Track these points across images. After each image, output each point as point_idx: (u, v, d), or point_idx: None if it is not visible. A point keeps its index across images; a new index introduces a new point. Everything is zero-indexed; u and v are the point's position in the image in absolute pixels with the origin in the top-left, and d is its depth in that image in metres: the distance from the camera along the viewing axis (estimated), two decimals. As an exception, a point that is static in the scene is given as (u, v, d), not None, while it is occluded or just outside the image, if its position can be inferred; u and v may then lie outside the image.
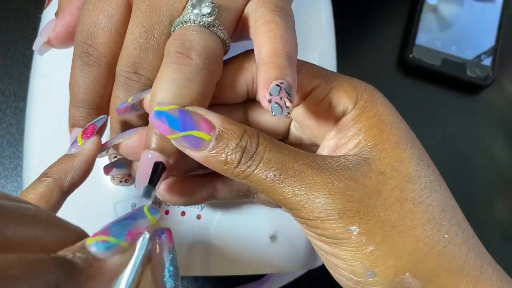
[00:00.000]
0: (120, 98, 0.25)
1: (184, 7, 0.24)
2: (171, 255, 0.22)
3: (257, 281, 0.39)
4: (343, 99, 0.25)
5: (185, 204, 0.29)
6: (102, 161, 0.28)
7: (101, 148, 0.25)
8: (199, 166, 0.26)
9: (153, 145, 0.23)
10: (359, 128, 0.24)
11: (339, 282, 0.25)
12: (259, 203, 0.30)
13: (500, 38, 0.49)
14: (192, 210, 0.32)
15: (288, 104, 0.22)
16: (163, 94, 0.22)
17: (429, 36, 0.49)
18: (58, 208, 0.23)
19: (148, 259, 0.22)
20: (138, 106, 0.25)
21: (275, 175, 0.22)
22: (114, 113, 0.25)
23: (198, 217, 0.31)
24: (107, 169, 0.28)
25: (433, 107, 0.49)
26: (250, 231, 0.32)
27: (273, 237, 0.32)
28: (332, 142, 0.26)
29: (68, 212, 0.23)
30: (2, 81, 0.46)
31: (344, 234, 0.22)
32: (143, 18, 0.24)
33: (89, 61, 0.25)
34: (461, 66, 0.48)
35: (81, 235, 0.18)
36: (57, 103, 0.32)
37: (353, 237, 0.22)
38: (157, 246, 0.22)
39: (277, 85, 0.22)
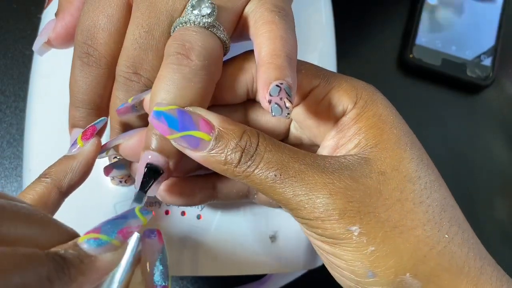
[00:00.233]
0: (120, 98, 0.25)
1: (184, 8, 0.24)
2: (161, 255, 0.22)
3: (257, 281, 0.39)
4: (343, 98, 0.25)
5: (185, 205, 0.29)
6: (102, 161, 0.28)
7: (101, 150, 0.25)
8: (199, 167, 0.26)
9: (153, 145, 0.23)
10: (359, 128, 0.24)
11: (339, 282, 0.25)
12: (260, 203, 0.30)
13: (500, 38, 0.49)
14: (192, 210, 0.32)
15: (287, 104, 0.21)
16: (163, 94, 0.22)
17: (429, 36, 0.49)
18: (56, 209, 0.23)
19: (138, 259, 0.22)
20: (138, 106, 0.25)
21: (275, 175, 0.22)
22: (114, 113, 0.25)
23: (198, 217, 0.31)
24: (107, 170, 0.28)
25: (433, 107, 0.49)
26: (250, 231, 0.32)
27: (273, 237, 0.32)
28: (332, 142, 0.26)
29: (68, 212, 0.23)
30: (2, 81, 0.46)
31: (345, 235, 0.22)
32: (143, 19, 0.24)
33: (89, 62, 0.25)
34: (461, 66, 0.48)
35: (74, 236, 0.19)
36: (57, 103, 0.32)
37: (354, 238, 0.22)
38: (147, 246, 0.22)
39: (277, 85, 0.22)
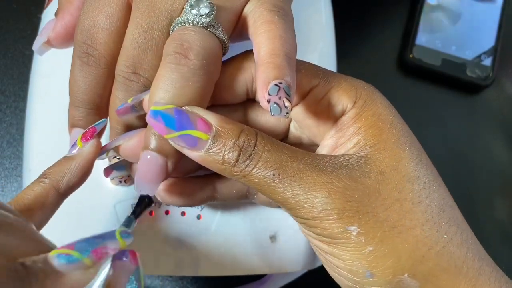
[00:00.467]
0: (120, 98, 0.25)
1: (183, 8, 0.24)
2: (133, 277, 0.21)
3: (257, 281, 0.39)
4: (342, 98, 0.25)
5: (185, 205, 0.29)
6: (103, 161, 0.28)
7: (101, 151, 0.25)
8: (199, 167, 0.26)
9: (152, 145, 0.23)
10: (358, 127, 0.24)
11: (337, 282, 0.25)
12: (259, 203, 0.30)
13: (500, 38, 0.49)
14: (192, 210, 0.32)
15: (287, 104, 0.21)
16: (161, 94, 0.22)
17: (429, 36, 0.49)
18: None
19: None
20: (138, 107, 0.25)
21: (274, 175, 0.22)
22: (114, 113, 0.25)
23: (198, 217, 0.32)
24: (107, 171, 0.28)
25: (433, 107, 0.49)
26: (250, 231, 0.32)
27: (273, 237, 0.32)
28: (331, 141, 0.26)
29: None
30: (2, 81, 0.46)
31: (343, 234, 0.22)
32: (142, 19, 0.24)
33: (89, 61, 0.25)
34: (461, 66, 0.48)
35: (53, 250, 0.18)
36: (57, 103, 0.32)
37: (352, 237, 0.22)
38: (117, 268, 0.21)
39: (276, 85, 0.22)
